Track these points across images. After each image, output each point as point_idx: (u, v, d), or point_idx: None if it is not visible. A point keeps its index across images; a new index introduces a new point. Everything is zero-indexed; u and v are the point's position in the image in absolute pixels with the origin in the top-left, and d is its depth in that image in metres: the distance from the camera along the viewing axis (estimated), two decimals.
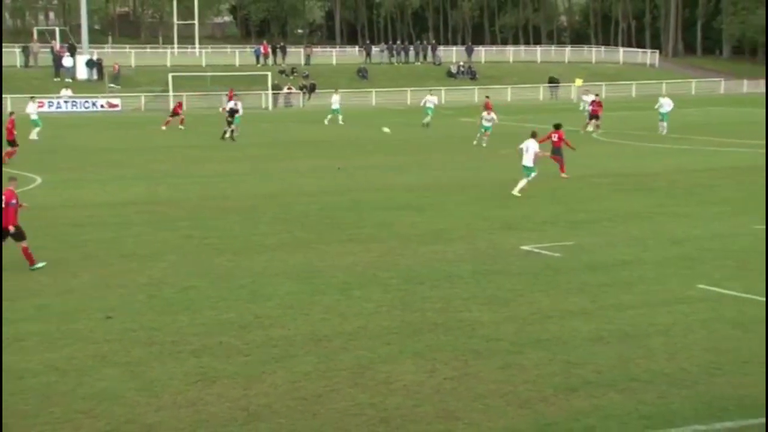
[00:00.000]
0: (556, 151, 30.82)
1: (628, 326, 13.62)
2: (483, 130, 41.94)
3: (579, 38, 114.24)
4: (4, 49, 72.47)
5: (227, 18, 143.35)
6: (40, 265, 17.48)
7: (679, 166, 33.17)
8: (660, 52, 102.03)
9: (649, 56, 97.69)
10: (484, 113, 42.70)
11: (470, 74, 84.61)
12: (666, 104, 46.72)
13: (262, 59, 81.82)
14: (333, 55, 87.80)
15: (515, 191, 26.33)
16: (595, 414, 10.34)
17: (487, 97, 54.71)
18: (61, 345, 12.88)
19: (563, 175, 30.55)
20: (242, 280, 16.66)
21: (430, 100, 53.09)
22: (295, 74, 78.16)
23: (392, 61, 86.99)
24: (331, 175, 31.81)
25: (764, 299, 14.84)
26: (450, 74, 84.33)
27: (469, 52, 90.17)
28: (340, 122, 54.52)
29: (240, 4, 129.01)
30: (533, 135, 27.40)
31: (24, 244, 17.40)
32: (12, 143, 36.11)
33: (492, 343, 12.88)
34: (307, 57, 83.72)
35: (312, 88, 74.69)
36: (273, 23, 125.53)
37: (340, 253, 18.87)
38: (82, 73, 73.64)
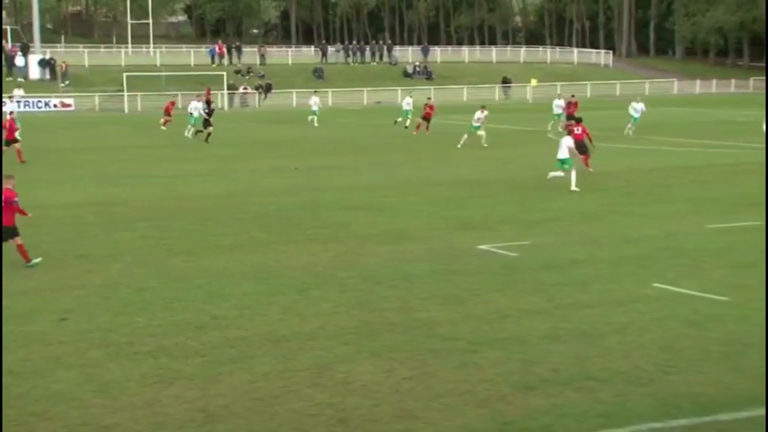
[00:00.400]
0: (578, 145, 30.89)
1: (584, 325, 13.73)
2: (473, 131, 41.01)
3: (534, 39, 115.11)
4: None
5: (182, 17, 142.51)
6: (36, 261, 17.57)
7: (635, 166, 33.50)
8: (614, 53, 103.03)
9: (603, 56, 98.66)
10: (478, 112, 41.57)
11: (426, 74, 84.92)
12: (638, 109, 47.02)
13: (217, 59, 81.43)
14: (288, 55, 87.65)
15: (573, 187, 26.92)
16: (552, 412, 10.40)
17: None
18: (16, 347, 12.72)
19: (589, 169, 30.96)
20: (199, 280, 16.57)
21: (408, 102, 52.16)
22: (251, 74, 77.91)
23: (348, 61, 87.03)
24: (288, 175, 31.73)
25: (719, 298, 15.05)
26: (406, 74, 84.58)
27: (425, 52, 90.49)
28: (315, 124, 53.57)
29: (195, 4, 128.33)
30: (569, 132, 29.10)
31: (18, 241, 17.44)
32: (12, 141, 35.96)
33: (449, 343, 12.91)
34: (262, 57, 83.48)
35: (268, 88, 74.48)
36: (228, 23, 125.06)
37: (297, 253, 18.84)
38: (34, 72, 72.89)
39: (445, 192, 27.41)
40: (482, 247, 19.27)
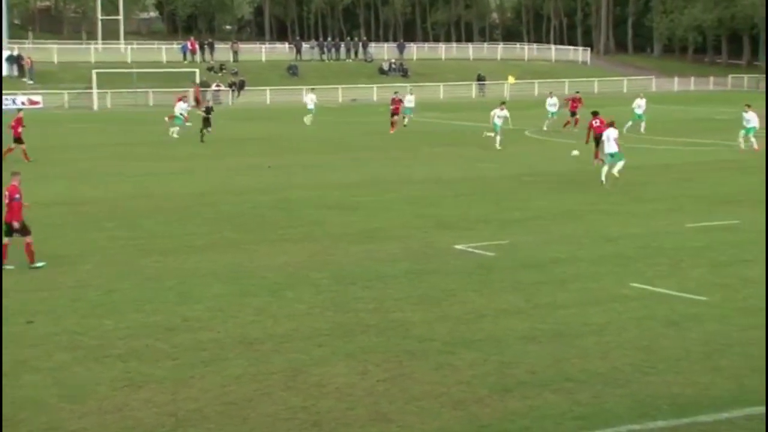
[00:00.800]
0: (596, 137, 31.59)
1: (562, 325, 13.74)
2: (497, 129, 38.89)
3: (511, 35, 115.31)
4: None
5: (153, 13, 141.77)
6: (40, 264, 17.43)
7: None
8: (592, 50, 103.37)
9: (581, 54, 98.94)
10: (497, 110, 39.58)
11: (402, 72, 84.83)
12: (642, 105, 46.60)
13: (189, 56, 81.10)
14: (262, 52, 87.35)
15: (615, 173, 27.34)
16: (529, 415, 10.39)
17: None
18: None
19: (596, 161, 31.26)
20: (170, 281, 16.46)
21: (410, 99, 51.19)
22: (224, 71, 77.60)
23: (323, 58, 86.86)
24: (262, 173, 31.61)
25: (697, 297, 15.10)
26: (382, 71, 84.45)
27: (401, 49, 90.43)
28: (308, 123, 51.49)
29: (166, 0, 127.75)
30: (611, 124, 28.79)
31: (29, 239, 17.44)
32: (18, 140, 35.63)
33: (425, 344, 12.89)
34: (235, 53, 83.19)
35: (241, 85, 74.23)
36: (200, 19, 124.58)
37: (271, 253, 18.76)
38: (2, 69, 72.24)
39: (422, 190, 27.39)
40: (459, 246, 19.26)
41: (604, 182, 27.44)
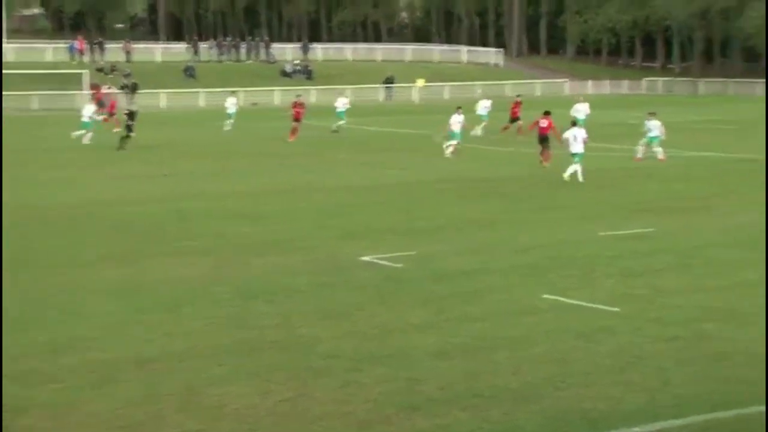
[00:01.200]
0: (543, 139, 33.49)
1: (473, 339, 13.91)
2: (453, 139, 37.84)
3: (421, 36, 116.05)
4: None
5: (37, 10, 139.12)
6: None
7: (526, 171, 34.00)
8: (505, 51, 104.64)
9: (493, 55, 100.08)
10: (455, 115, 38.55)
11: (306, 73, 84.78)
12: (582, 110, 46.52)
13: (77, 56, 79.83)
14: (157, 52, 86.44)
15: (580, 178, 29.49)
16: None
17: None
18: None
19: (545, 164, 33.16)
20: (56, 298, 16.21)
21: (343, 102, 50.75)
22: (116, 72, 76.53)
23: (222, 59, 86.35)
24: (157, 181, 31.31)
25: (609, 308, 15.44)
26: (285, 73, 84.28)
27: (305, 49, 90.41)
28: (228, 129, 50.85)
29: None
30: (574, 123, 31.79)
31: None
32: None
33: (331, 361, 12.93)
34: (128, 53, 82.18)
35: (134, 88, 73.31)
36: (89, 16, 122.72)
37: (167, 267, 18.60)
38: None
39: (328, 199, 27.45)
40: (366, 258, 19.35)
41: (566, 178, 29.51)
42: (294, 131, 45.46)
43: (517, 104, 48.07)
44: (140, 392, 11.72)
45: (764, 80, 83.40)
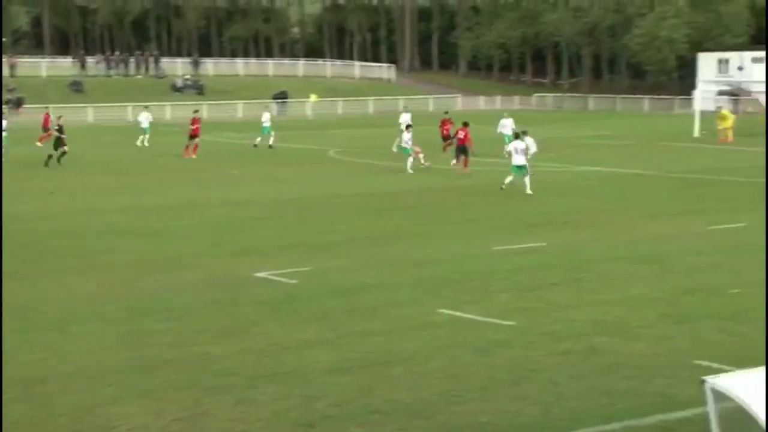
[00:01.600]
0: (461, 149, 36.70)
1: (370, 354, 13.96)
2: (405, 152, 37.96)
3: (313, 51, 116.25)
4: None
5: None
6: None
7: (423, 186, 34.27)
8: (397, 67, 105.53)
9: (386, 71, 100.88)
10: (405, 133, 38.41)
11: (197, 88, 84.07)
12: (508, 125, 46.44)
13: None
14: (42, 66, 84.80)
15: (528, 191, 30.65)
16: None
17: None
18: None
19: (466, 170, 35.90)
20: None
21: (266, 117, 50.05)
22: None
23: (110, 74, 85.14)
24: (43, 198, 30.69)
25: (504, 322, 15.66)
26: (175, 88, 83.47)
27: (196, 64, 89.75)
28: (146, 144, 49.91)
29: None
30: (517, 136, 33.28)
31: None
32: None
33: (225, 379, 12.84)
34: (12, 68, 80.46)
35: (18, 103, 71.76)
36: None
37: (55, 285, 18.24)
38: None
39: (220, 215, 27.26)
40: (260, 274, 19.27)
41: (503, 187, 30.83)
42: (188, 147, 44.84)
43: (446, 121, 46.56)
44: (27, 414, 11.48)
45: (651, 96, 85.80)
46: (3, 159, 38.70)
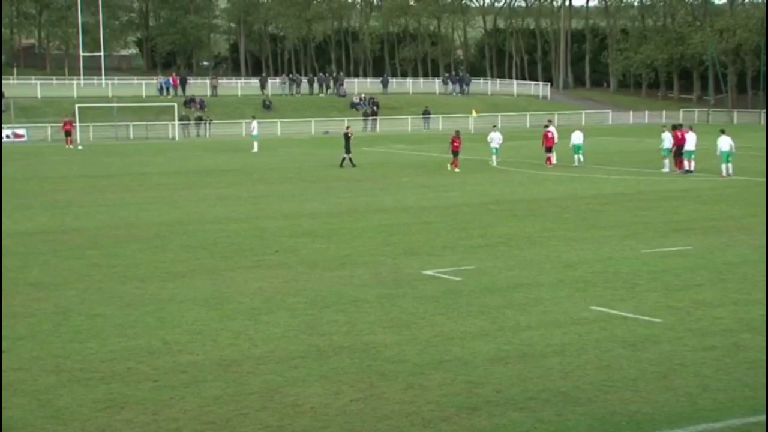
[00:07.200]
0: (455, 153, 42.31)
1: (525, 346, 13.81)
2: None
3: (475, 71, 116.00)
4: None
5: (133, 50, 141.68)
6: None
7: (570, 193, 33.78)
8: (551, 85, 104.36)
9: (541, 88, 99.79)
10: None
11: (372, 105, 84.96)
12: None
13: (171, 90, 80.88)
14: (238, 87, 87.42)
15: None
16: None
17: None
18: None
19: (456, 169, 41.32)
20: (150, 307, 16.39)
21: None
22: (193, 105, 76.96)
23: (292, 92, 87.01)
24: (236, 202, 31.57)
25: (653, 319, 15.24)
26: (353, 105, 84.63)
27: (385, 84, 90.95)
28: (254, 150, 51.24)
29: (147, 37, 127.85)
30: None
31: None
32: None
33: (396, 365, 12.91)
34: (214, 88, 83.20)
35: (200, 119, 73.88)
36: (179, 55, 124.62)
37: (247, 279, 18.72)
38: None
39: (389, 219, 27.44)
40: (427, 272, 19.32)
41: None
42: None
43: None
44: (225, 391, 11.80)
45: None
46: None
